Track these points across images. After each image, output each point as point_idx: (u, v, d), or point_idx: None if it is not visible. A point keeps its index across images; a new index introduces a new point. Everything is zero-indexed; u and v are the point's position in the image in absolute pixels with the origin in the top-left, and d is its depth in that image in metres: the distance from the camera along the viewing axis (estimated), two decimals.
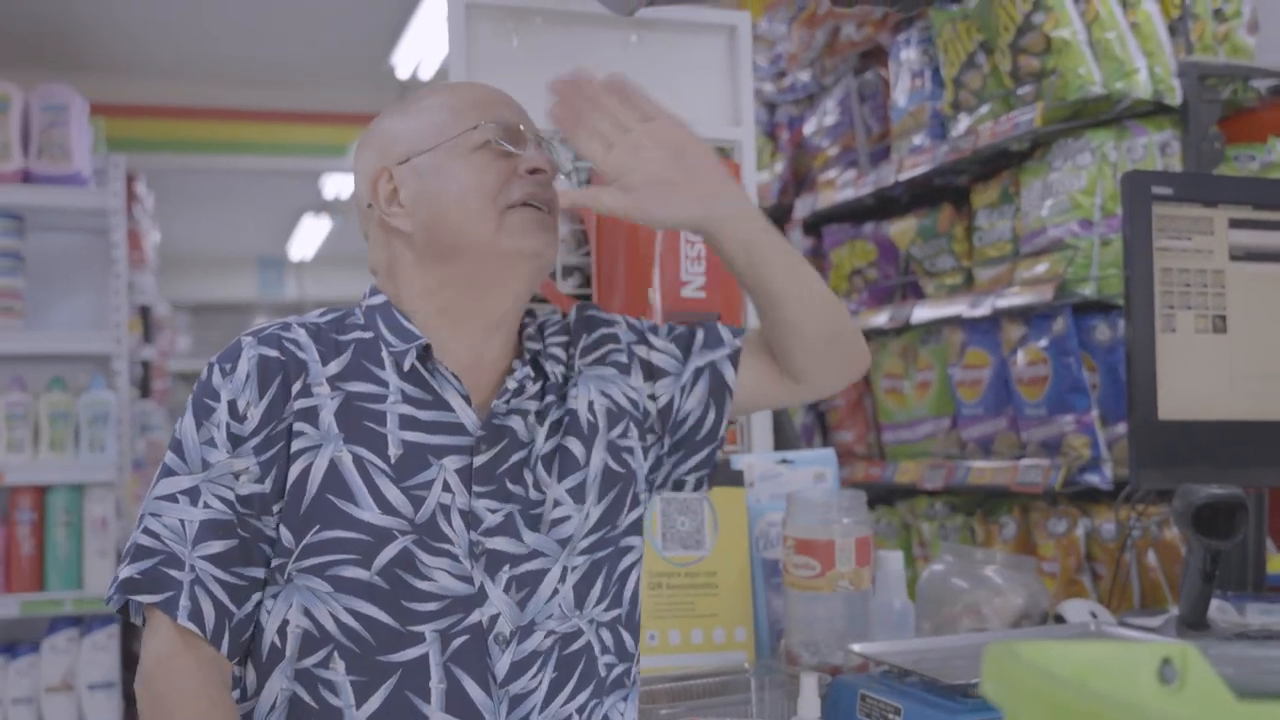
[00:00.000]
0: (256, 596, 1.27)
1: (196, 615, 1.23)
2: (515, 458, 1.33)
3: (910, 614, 1.83)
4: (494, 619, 1.27)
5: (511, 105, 1.39)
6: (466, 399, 1.31)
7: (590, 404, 1.40)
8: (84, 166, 3.46)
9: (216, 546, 1.24)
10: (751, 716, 1.60)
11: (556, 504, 1.33)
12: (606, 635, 1.36)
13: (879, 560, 1.83)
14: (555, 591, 1.31)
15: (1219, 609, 1.78)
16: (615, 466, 1.39)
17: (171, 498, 1.26)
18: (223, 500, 1.25)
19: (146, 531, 1.25)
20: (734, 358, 1.45)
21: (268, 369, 1.27)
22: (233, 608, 1.25)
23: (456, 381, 1.31)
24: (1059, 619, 1.88)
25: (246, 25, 5.63)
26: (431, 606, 1.25)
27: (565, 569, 1.32)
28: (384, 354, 1.32)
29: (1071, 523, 2.22)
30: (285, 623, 1.25)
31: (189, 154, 6.26)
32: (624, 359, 1.44)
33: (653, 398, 1.43)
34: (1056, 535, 2.23)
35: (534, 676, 1.28)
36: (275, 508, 1.26)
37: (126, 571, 1.24)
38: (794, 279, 1.37)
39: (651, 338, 1.47)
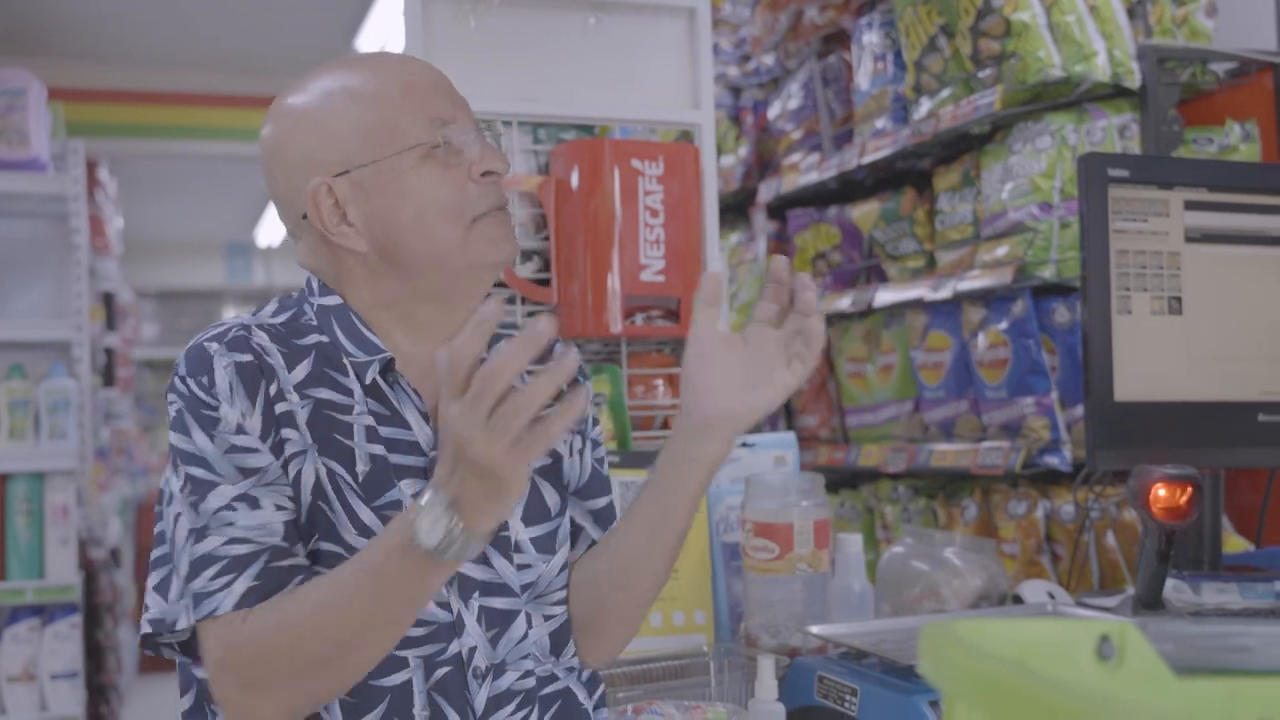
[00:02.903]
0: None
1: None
2: None
3: (869, 596, 1.84)
4: (472, 651, 1.25)
5: (444, 89, 1.29)
6: (425, 415, 1.27)
7: (580, 455, 1.39)
8: (42, 152, 3.43)
9: (300, 551, 1.20)
10: (710, 699, 1.61)
11: (518, 547, 1.30)
12: (568, 688, 1.34)
13: (838, 543, 1.84)
14: (525, 635, 1.29)
15: (1174, 589, 1.79)
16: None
17: (230, 506, 1.17)
18: (291, 500, 1.20)
19: (233, 541, 1.16)
20: (590, 547, 1.41)
21: (247, 375, 1.20)
22: None
23: (416, 397, 1.27)
24: (1018, 600, 1.89)
25: (209, 9, 5.58)
26: (416, 632, 1.22)
27: (531, 615, 1.30)
28: (345, 361, 1.26)
29: (1031, 504, 2.23)
30: None
31: (151, 139, 6.20)
32: (578, 441, 1.41)
33: None
34: (1016, 517, 2.24)
35: (514, 713, 1.27)
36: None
37: (242, 584, 1.15)
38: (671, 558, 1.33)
39: (588, 444, 1.43)
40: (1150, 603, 1.72)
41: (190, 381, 1.20)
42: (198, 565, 1.17)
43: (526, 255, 1.93)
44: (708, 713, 1.46)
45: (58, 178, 3.49)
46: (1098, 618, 1.66)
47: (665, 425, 2.00)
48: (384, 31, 5.69)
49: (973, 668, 0.64)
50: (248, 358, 1.21)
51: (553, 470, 1.36)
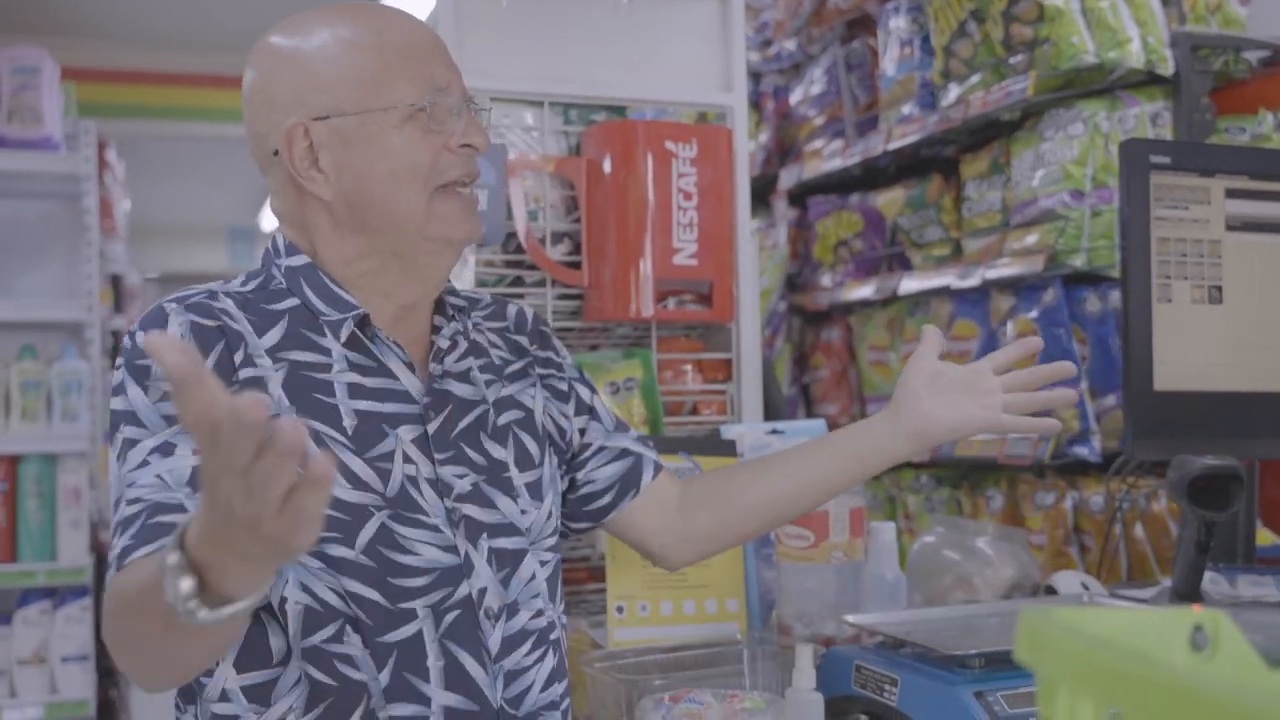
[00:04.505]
0: None
1: None
2: (466, 421, 1.30)
3: (902, 585, 1.82)
4: (482, 592, 1.24)
5: (440, 56, 1.28)
6: (410, 365, 1.27)
7: (545, 409, 1.40)
8: (55, 131, 3.40)
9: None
10: (744, 687, 1.59)
11: (518, 491, 1.31)
12: (561, 637, 1.36)
13: (871, 531, 1.81)
14: (534, 575, 1.30)
15: (1211, 581, 1.77)
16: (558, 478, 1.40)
17: (144, 462, 1.13)
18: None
19: (129, 502, 1.12)
20: (657, 470, 1.48)
21: (205, 336, 1.18)
22: None
23: (398, 349, 1.27)
24: (1050, 590, 1.87)
25: None
26: (420, 581, 1.21)
27: (535, 559, 1.31)
28: (320, 321, 1.25)
29: (1059, 495, 2.21)
30: (284, 599, 1.18)
31: (160, 120, 6.15)
32: (564, 388, 1.44)
33: (581, 432, 1.44)
34: (1044, 507, 2.22)
35: (528, 654, 1.27)
36: None
37: (121, 542, 1.10)
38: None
39: (592, 386, 1.48)
40: (1188, 595, 1.70)
41: (139, 334, 1.18)
42: (115, 526, 1.13)
43: (557, 237, 1.91)
44: (745, 701, 1.44)
45: (70, 158, 3.46)
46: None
47: (695, 411, 1.98)
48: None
49: (1083, 654, 0.62)
50: (209, 322, 1.19)
51: (528, 423, 1.37)
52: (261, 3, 5.74)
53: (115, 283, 5.14)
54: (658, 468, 1.48)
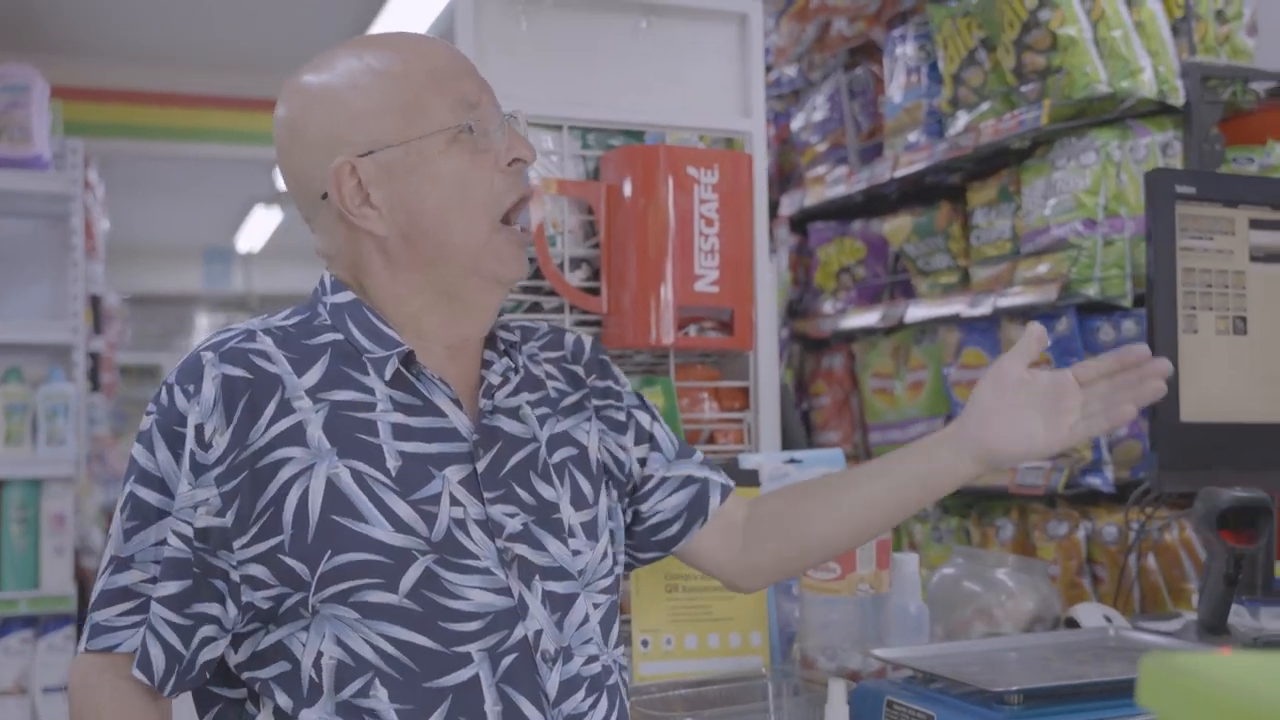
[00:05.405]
0: (209, 631, 1.18)
1: (144, 663, 1.18)
2: (516, 459, 1.26)
3: (926, 617, 1.79)
4: (538, 634, 1.21)
5: (469, 73, 1.26)
6: (457, 402, 1.24)
7: (600, 444, 1.37)
8: (44, 150, 3.34)
9: (172, 587, 1.17)
10: None
11: (571, 531, 1.28)
12: (620, 681, 1.32)
13: (894, 563, 1.79)
14: (586, 619, 1.26)
15: (1235, 613, 1.76)
16: (612, 517, 1.37)
17: (165, 541, 1.18)
18: (180, 536, 1.16)
19: (152, 581, 1.19)
20: (724, 494, 1.44)
21: (233, 390, 1.17)
22: (183, 650, 1.17)
23: (444, 386, 1.24)
24: (1071, 623, 1.85)
25: (212, 7, 5.49)
26: (473, 626, 1.18)
27: (588, 601, 1.28)
28: (364, 359, 1.23)
29: (1073, 525, 2.20)
30: (319, 654, 1.16)
31: (143, 140, 6.09)
32: (622, 418, 1.40)
33: (642, 463, 1.41)
34: (1057, 538, 2.21)
35: (584, 699, 1.23)
36: (237, 543, 1.15)
37: (111, 619, 1.20)
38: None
39: (654, 412, 1.45)
40: (1215, 627, 1.69)
41: (176, 389, 1.19)
42: (113, 596, 1.19)
43: (575, 263, 1.88)
44: None
45: (58, 177, 3.40)
46: (1174, 645, 1.63)
47: (711, 439, 1.95)
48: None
49: (1211, 698, 0.60)
50: (239, 372, 1.18)
51: (581, 460, 1.34)
52: (251, 21, 5.72)
53: (94, 303, 5.07)
54: (725, 491, 1.44)
